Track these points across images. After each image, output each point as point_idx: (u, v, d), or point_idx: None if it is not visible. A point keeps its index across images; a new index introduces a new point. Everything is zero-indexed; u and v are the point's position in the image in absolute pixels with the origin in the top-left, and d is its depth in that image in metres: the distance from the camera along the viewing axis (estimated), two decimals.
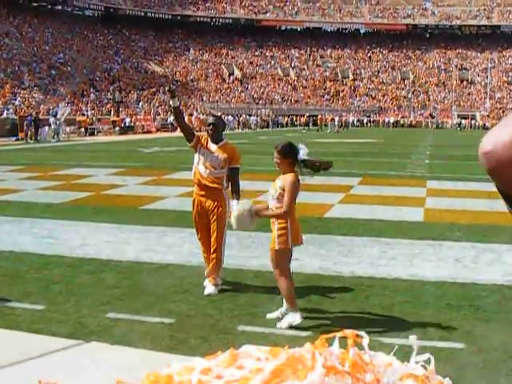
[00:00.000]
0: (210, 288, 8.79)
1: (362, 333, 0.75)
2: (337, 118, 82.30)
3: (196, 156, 9.16)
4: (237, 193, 9.05)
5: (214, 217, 8.98)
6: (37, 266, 10.00)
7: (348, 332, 0.72)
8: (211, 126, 9.09)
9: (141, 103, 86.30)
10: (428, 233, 12.90)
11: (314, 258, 10.66)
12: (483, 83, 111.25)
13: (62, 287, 8.81)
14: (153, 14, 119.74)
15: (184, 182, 20.47)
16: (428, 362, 2.17)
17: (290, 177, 7.41)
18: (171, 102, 9.29)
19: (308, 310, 7.92)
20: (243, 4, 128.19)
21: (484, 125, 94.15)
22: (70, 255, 10.73)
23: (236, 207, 7.63)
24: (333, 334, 0.72)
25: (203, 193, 9.05)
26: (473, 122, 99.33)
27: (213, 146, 9.03)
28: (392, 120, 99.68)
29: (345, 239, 12.25)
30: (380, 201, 17.29)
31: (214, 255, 8.95)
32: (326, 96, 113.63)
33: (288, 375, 0.62)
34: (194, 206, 9.19)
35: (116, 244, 11.72)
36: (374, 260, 10.59)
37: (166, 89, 9.93)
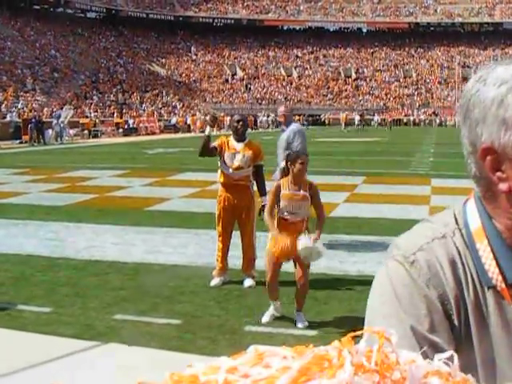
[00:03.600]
0: (248, 281, 9.08)
1: (391, 330, 0.74)
2: (357, 117, 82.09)
3: (220, 160, 9.24)
4: (263, 189, 9.37)
5: (244, 216, 9.19)
6: (43, 268, 10.01)
7: (376, 329, 0.70)
8: (240, 122, 9.26)
9: (144, 105, 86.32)
10: None
11: None
12: None
13: (68, 289, 8.81)
14: (155, 16, 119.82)
15: (188, 183, 20.53)
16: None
17: (311, 183, 7.79)
18: (206, 131, 9.42)
19: (315, 310, 7.91)
20: (245, 4, 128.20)
21: None
22: (76, 257, 10.74)
23: (311, 249, 7.39)
24: (360, 331, 0.71)
25: (231, 190, 9.19)
26: None
27: (238, 145, 9.16)
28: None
29: (351, 238, 12.24)
30: (385, 199, 17.27)
31: (248, 252, 9.24)
32: (328, 95, 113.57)
33: (314, 373, 0.61)
34: (220, 201, 9.31)
35: (121, 245, 11.72)
36: (380, 259, 10.52)
37: (209, 117, 10.08)
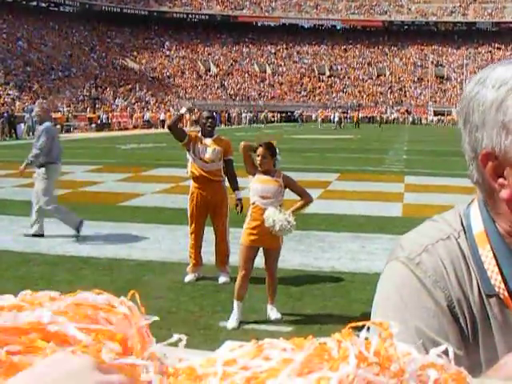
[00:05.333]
0: (223, 277, 9.12)
1: (392, 323, 0.73)
2: (337, 115, 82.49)
3: (190, 153, 9.27)
4: (235, 184, 9.49)
5: (216, 212, 9.24)
6: (16, 263, 9.94)
7: (377, 321, 0.70)
8: (210, 120, 9.34)
9: (117, 100, 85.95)
10: (407, 227, 12.72)
11: (294, 253, 10.66)
12: (459, 79, 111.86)
13: (41, 285, 8.73)
14: (129, 10, 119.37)
15: (161, 179, 20.47)
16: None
17: (284, 174, 7.66)
18: (183, 110, 9.64)
19: (289, 306, 7.93)
20: (219, 0, 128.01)
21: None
22: (49, 253, 10.68)
23: (275, 217, 7.32)
24: (360, 323, 0.71)
25: (204, 186, 9.21)
26: (443, 117, 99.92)
27: (208, 140, 9.23)
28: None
29: (325, 235, 12.27)
30: (359, 196, 17.34)
31: (221, 248, 9.30)
32: (302, 92, 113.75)
33: (315, 366, 0.60)
34: (192, 199, 9.33)
35: (95, 241, 11.67)
36: (354, 255, 10.62)
37: (189, 106, 10.20)
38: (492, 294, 1.33)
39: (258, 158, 7.45)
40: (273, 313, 7.51)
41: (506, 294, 1.32)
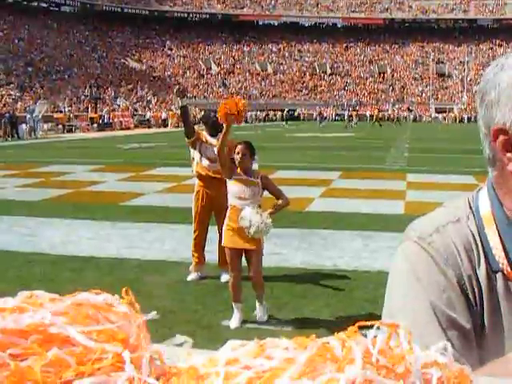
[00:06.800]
0: (225, 276, 8.97)
1: (399, 323, 0.75)
2: (346, 113, 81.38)
3: (196, 152, 9.27)
4: None
5: (221, 210, 9.16)
6: (18, 263, 9.93)
7: (385, 321, 0.71)
8: (214, 121, 9.38)
9: (118, 99, 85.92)
10: None
11: (296, 251, 10.66)
12: (460, 76, 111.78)
13: (43, 285, 8.73)
14: (130, 10, 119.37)
15: (163, 178, 20.45)
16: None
17: (262, 175, 7.65)
18: (180, 102, 9.46)
19: (292, 304, 7.92)
20: None
21: (461, 118, 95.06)
22: (51, 253, 10.67)
23: (252, 218, 7.24)
24: (367, 322, 0.71)
25: (209, 185, 9.19)
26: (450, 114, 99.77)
27: (213, 140, 9.17)
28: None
29: (327, 233, 12.25)
30: (361, 194, 17.31)
31: (224, 248, 9.26)
32: (303, 90, 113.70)
33: (318, 365, 0.60)
34: (198, 197, 9.33)
35: (97, 241, 11.66)
36: (356, 253, 10.61)
37: (176, 88, 10.04)
38: (497, 269, 1.41)
39: (238, 156, 7.41)
40: (259, 312, 7.48)
41: (510, 269, 1.40)
